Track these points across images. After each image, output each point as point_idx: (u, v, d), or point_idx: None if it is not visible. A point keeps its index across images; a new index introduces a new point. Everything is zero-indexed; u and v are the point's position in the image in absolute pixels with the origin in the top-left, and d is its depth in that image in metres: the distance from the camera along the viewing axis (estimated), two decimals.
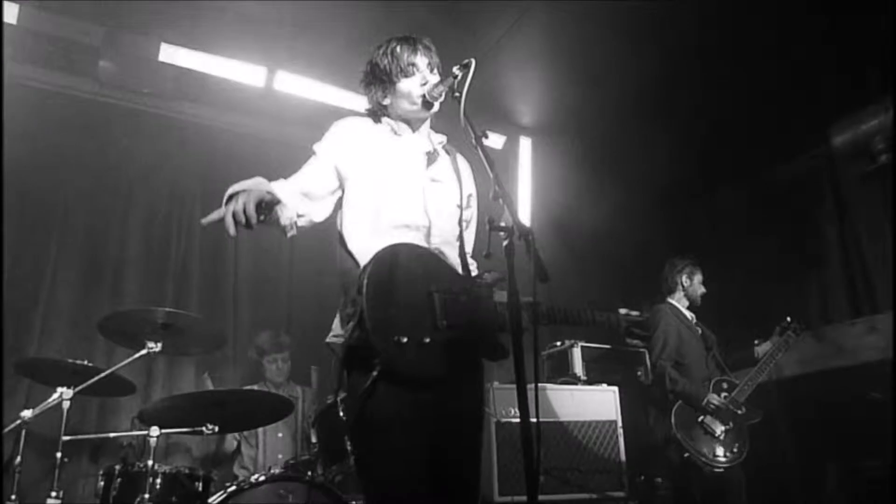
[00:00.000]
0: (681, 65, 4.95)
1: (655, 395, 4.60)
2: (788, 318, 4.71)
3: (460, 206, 2.43)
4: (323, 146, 2.38)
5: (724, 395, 4.36)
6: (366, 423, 2.10)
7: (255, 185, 2.07)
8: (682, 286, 4.79)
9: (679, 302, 4.80)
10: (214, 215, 2.01)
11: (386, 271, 2.12)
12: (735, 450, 4.24)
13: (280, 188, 2.16)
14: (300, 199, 2.24)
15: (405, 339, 2.06)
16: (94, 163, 4.88)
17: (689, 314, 4.77)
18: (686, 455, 4.21)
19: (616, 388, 4.65)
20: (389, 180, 2.32)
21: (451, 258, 2.35)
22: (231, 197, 2.01)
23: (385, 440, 2.08)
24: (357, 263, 2.20)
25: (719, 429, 4.26)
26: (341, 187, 2.35)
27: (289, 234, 2.25)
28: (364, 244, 2.22)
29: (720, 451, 4.23)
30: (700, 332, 4.72)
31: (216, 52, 4.92)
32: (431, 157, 2.43)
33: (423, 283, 2.18)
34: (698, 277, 4.80)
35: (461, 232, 2.43)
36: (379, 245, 2.17)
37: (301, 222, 2.27)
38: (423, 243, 2.28)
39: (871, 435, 4.48)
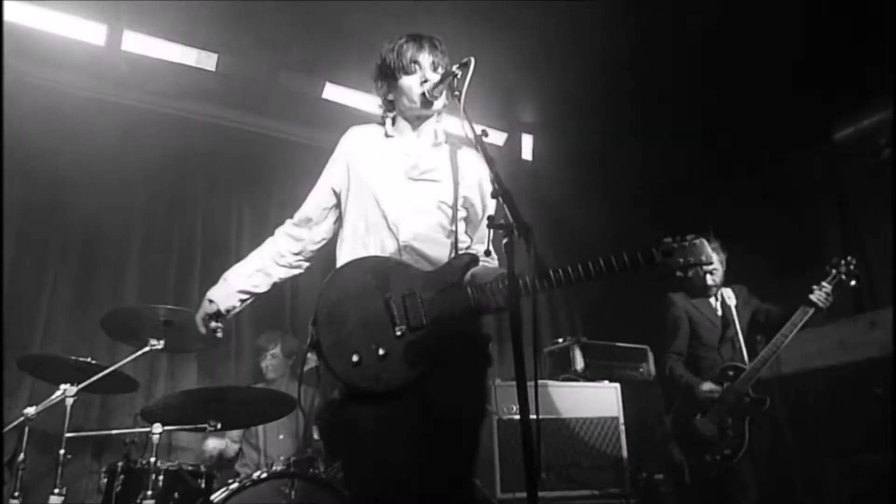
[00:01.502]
0: (682, 61, 4.95)
1: (663, 391, 4.50)
2: (834, 259, 3.97)
3: (452, 205, 2.36)
4: (327, 166, 2.50)
5: (725, 384, 4.07)
6: (339, 439, 2.17)
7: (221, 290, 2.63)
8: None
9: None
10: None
11: (336, 294, 2.18)
12: (727, 452, 3.97)
13: (258, 259, 2.60)
14: (295, 240, 2.51)
15: (356, 358, 2.09)
16: (95, 160, 4.88)
17: (709, 302, 4.45)
18: (680, 460, 4.15)
19: (618, 385, 4.65)
20: (368, 186, 2.34)
21: (431, 258, 2.27)
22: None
23: (359, 454, 2.10)
24: None
25: (710, 431, 4.04)
26: (338, 204, 2.45)
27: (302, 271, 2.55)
28: (343, 257, 2.34)
29: (711, 455, 4.01)
30: (721, 315, 4.39)
31: (218, 51, 4.93)
32: (420, 156, 2.39)
33: (378, 294, 2.16)
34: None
35: (454, 229, 2.35)
36: (349, 257, 2.27)
37: (305, 256, 2.52)
38: (392, 246, 2.26)
39: (872, 431, 4.47)
